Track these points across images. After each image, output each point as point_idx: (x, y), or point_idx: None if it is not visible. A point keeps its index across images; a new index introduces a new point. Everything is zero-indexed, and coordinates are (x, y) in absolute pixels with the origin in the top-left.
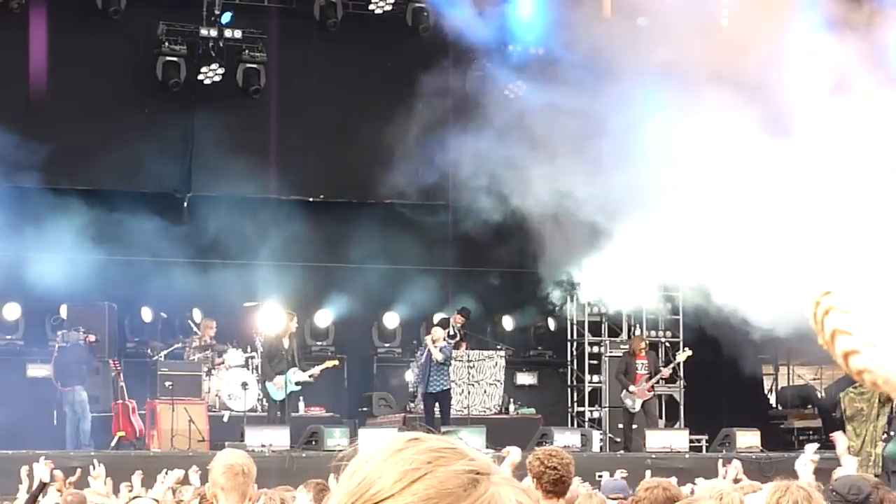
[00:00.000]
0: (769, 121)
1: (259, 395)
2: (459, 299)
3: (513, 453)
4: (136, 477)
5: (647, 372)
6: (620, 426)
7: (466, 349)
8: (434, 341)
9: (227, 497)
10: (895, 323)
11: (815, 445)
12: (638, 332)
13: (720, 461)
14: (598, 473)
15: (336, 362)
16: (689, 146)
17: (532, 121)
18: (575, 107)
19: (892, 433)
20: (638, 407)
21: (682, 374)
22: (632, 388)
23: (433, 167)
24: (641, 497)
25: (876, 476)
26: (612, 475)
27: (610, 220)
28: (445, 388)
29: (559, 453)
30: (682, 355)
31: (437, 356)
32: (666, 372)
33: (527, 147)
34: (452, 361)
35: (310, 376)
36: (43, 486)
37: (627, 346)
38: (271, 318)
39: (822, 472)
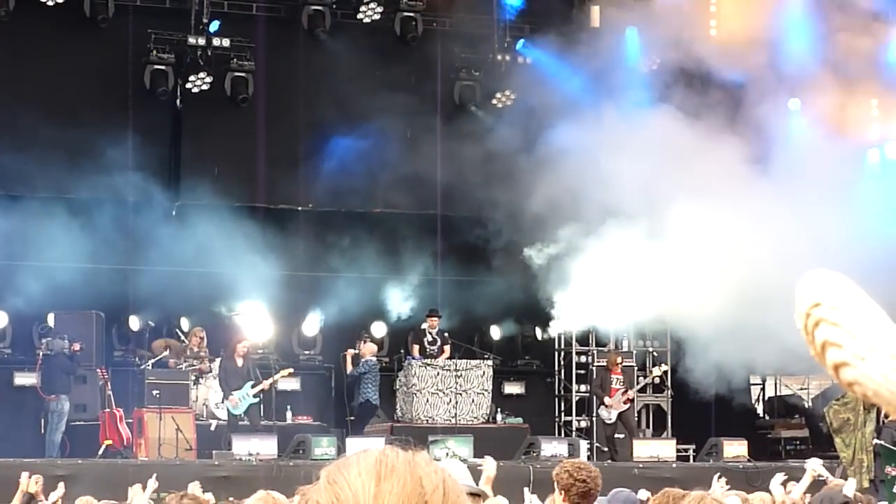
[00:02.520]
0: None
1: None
2: (447, 309)
3: (488, 466)
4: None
5: (622, 387)
6: (604, 437)
7: (452, 358)
8: (363, 356)
9: None
10: (883, 335)
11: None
12: (626, 342)
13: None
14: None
15: (291, 370)
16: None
17: (521, 131)
18: (562, 118)
19: (881, 440)
20: (614, 418)
21: (669, 383)
22: (607, 400)
23: (422, 177)
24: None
25: (871, 482)
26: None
27: (597, 235)
28: (363, 400)
29: (587, 466)
30: (658, 370)
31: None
32: (632, 394)
33: (516, 158)
34: (418, 369)
35: (261, 391)
36: (31, 498)
37: (605, 362)
38: (259, 327)
39: (815, 485)
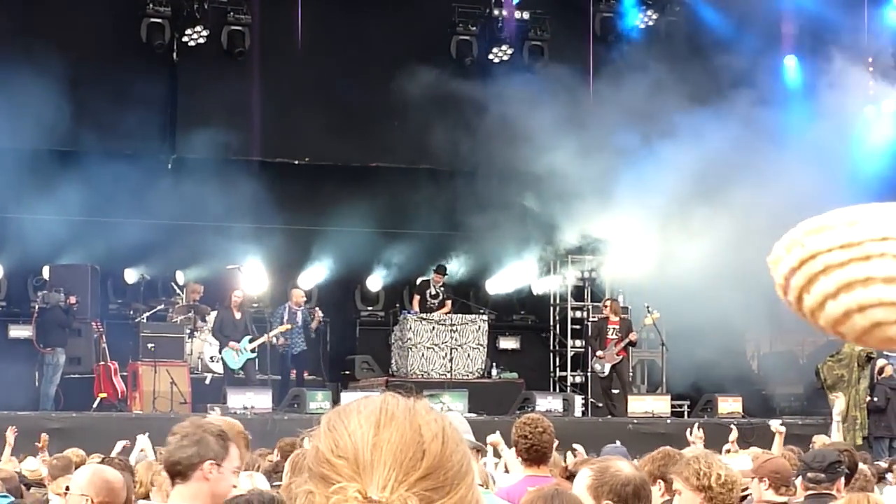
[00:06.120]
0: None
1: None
2: (443, 262)
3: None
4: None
5: (617, 336)
6: (600, 391)
7: (450, 312)
8: (297, 304)
9: None
10: None
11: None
12: (621, 297)
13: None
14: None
15: (289, 325)
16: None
17: (517, 87)
18: (557, 75)
19: (875, 398)
20: (607, 371)
21: (663, 339)
22: (599, 352)
23: (417, 131)
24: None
25: (864, 438)
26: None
27: (592, 189)
28: (304, 349)
29: (534, 421)
30: (650, 318)
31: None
32: (633, 336)
33: (513, 114)
34: (413, 324)
35: (259, 345)
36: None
37: (602, 310)
38: (255, 280)
39: (802, 439)
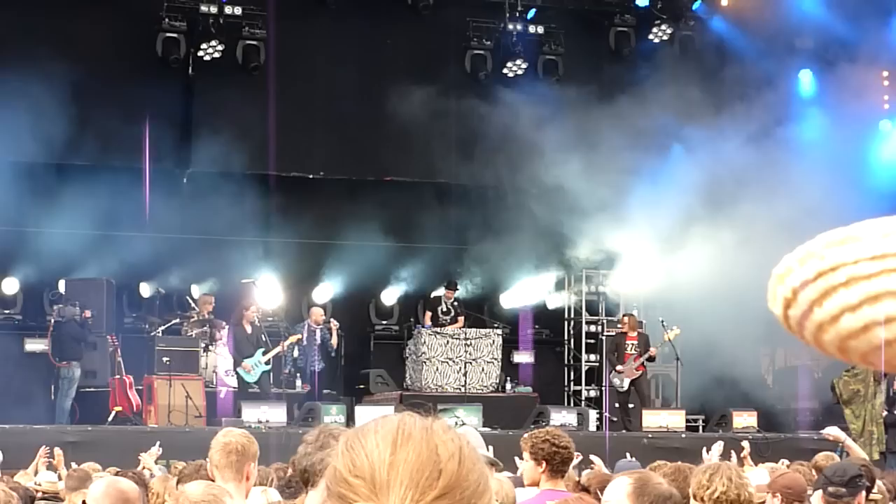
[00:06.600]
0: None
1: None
2: (457, 277)
3: None
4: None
5: (636, 352)
6: (617, 405)
7: (463, 327)
8: (317, 322)
9: (223, 475)
10: None
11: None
12: (635, 311)
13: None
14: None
15: (299, 336)
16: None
17: (531, 102)
18: (571, 89)
19: (893, 412)
20: (626, 385)
21: (678, 354)
22: (619, 367)
23: (431, 145)
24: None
25: (881, 454)
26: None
27: (608, 209)
28: (323, 366)
29: (562, 433)
30: (671, 333)
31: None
32: (653, 351)
33: (527, 128)
34: (427, 338)
35: (272, 357)
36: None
37: (620, 326)
38: (269, 294)
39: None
